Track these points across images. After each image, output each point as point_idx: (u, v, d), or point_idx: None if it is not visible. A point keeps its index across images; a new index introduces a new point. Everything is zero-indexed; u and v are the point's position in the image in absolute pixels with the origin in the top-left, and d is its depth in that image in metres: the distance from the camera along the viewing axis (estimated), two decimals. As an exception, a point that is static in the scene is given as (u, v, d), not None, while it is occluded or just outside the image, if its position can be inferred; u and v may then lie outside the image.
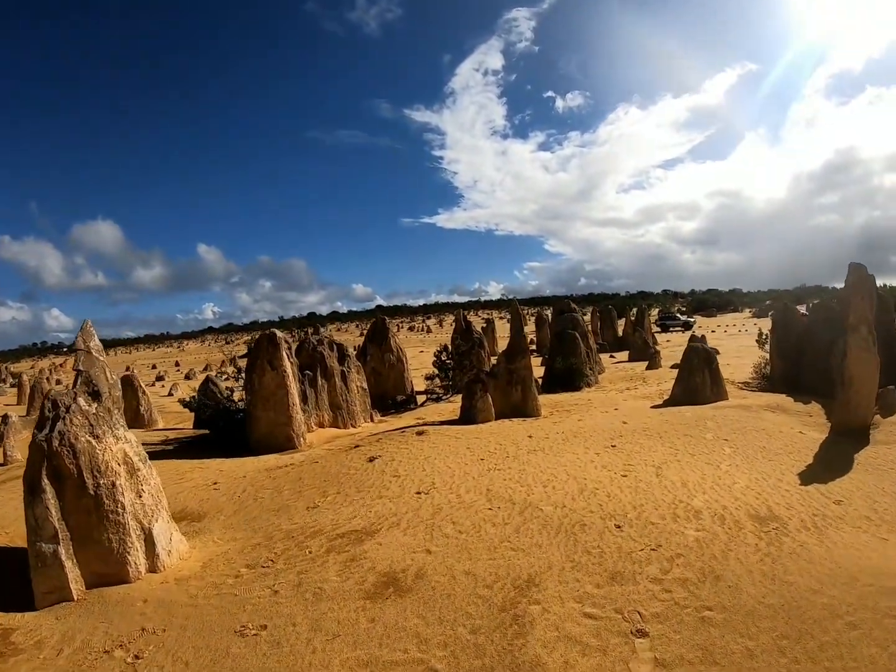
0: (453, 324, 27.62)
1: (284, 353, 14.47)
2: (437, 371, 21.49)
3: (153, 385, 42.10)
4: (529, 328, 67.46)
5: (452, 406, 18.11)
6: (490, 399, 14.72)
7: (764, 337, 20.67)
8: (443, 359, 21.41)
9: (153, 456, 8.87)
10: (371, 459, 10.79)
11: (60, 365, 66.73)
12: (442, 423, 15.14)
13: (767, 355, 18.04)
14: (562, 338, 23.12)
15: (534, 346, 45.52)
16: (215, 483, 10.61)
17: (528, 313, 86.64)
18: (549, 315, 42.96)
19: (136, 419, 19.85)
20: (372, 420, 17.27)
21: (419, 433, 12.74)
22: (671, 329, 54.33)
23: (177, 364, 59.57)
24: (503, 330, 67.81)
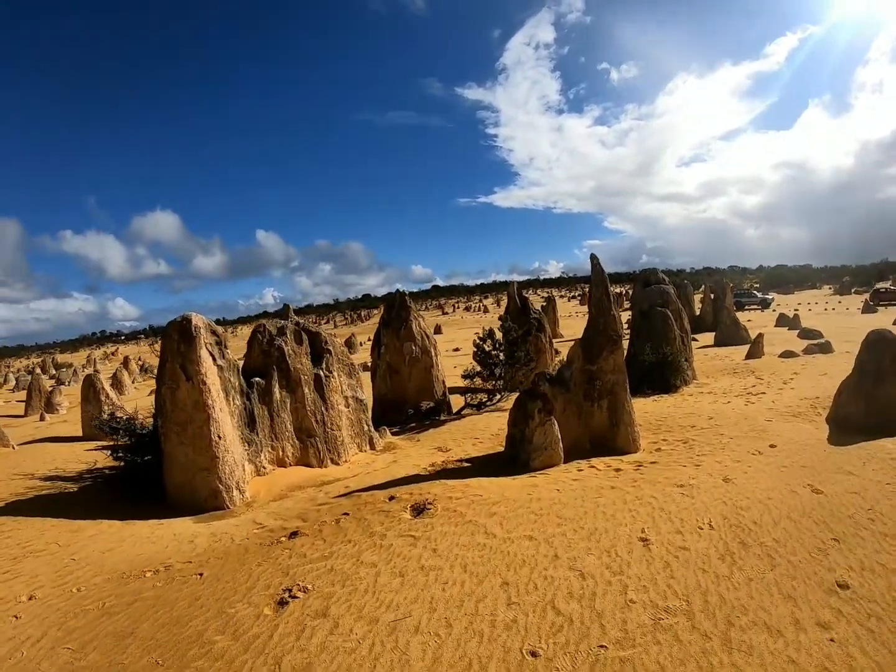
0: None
1: (205, 353, 8.68)
2: (477, 366, 15.21)
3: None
4: (571, 305, 59.53)
5: (499, 420, 11.93)
6: (556, 426, 8.38)
7: None
8: (486, 348, 15.09)
9: (38, 503, 8.33)
10: (282, 602, 4.79)
11: (113, 353, 65.40)
12: (472, 461, 9.29)
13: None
14: (650, 318, 16.19)
15: None
16: (26, 601, 5.07)
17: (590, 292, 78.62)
18: (617, 292, 35.31)
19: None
20: (372, 446, 11.29)
21: (418, 509, 6.70)
22: (747, 307, 47.00)
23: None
24: (565, 309, 60.40)
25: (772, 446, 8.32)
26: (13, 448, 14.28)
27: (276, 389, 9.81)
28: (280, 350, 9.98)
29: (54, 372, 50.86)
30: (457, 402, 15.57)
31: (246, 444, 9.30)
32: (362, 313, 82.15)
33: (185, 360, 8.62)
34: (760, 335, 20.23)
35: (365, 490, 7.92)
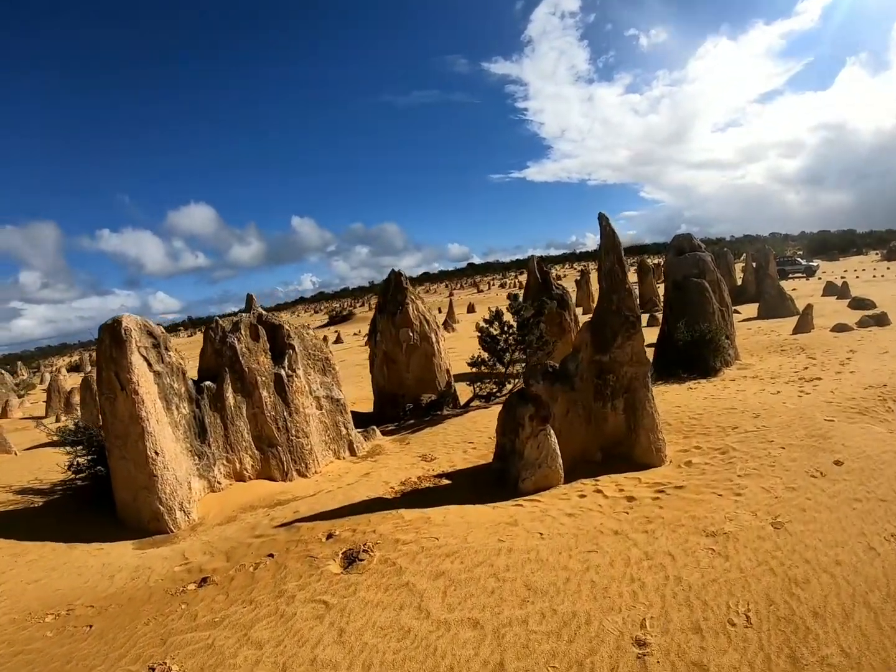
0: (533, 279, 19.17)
1: (137, 359, 7.53)
2: (484, 353, 13.57)
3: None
4: (630, 278, 54.88)
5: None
6: (552, 437, 6.77)
7: None
8: (493, 332, 13.42)
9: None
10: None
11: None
12: (455, 477, 7.90)
13: None
14: (684, 290, 14.06)
15: (637, 301, 35.77)
16: None
17: (628, 263, 74.33)
18: (655, 264, 32.62)
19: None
20: (352, 452, 9.97)
21: (350, 557, 5.34)
22: (790, 276, 43.30)
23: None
24: None
25: (837, 463, 6.37)
26: (15, 454, 13.84)
27: (230, 394, 8.56)
28: (232, 349, 8.69)
29: (89, 369, 51.79)
30: (468, 392, 14.07)
31: (196, 458, 8.13)
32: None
33: (117, 367, 7.48)
34: (809, 306, 17.82)
35: (309, 519, 6.59)
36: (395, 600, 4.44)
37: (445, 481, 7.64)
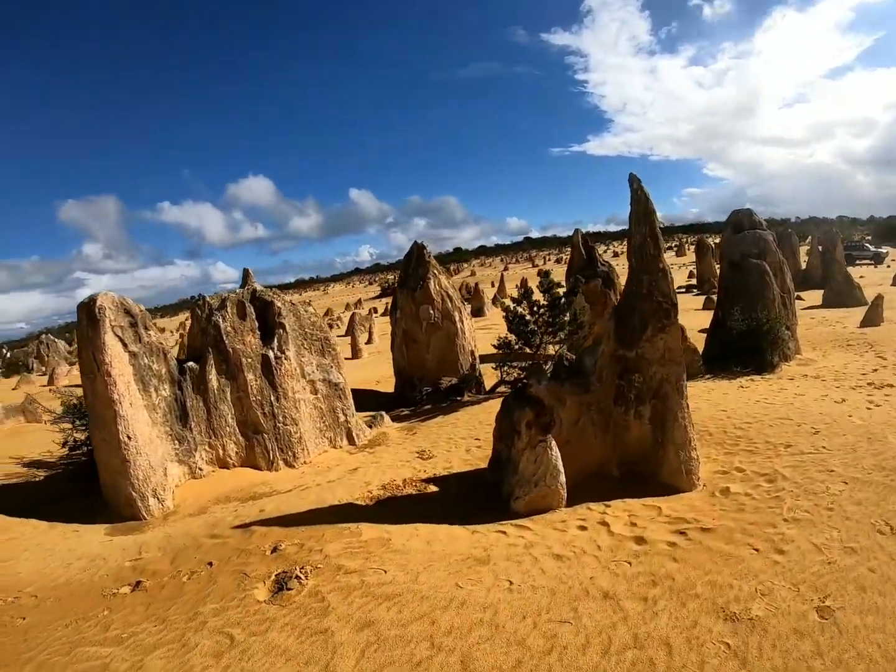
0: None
1: (111, 339, 7.10)
2: (511, 335, 12.47)
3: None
4: (688, 258, 50.80)
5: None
6: (554, 452, 5.77)
7: None
8: (520, 312, 12.28)
9: None
10: None
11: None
12: (444, 483, 7.09)
13: None
14: (742, 270, 12.28)
15: (693, 281, 33.07)
16: None
17: (687, 241, 68.71)
18: (715, 243, 29.81)
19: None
20: (351, 440, 9.28)
21: (282, 582, 4.69)
22: (858, 262, 39.12)
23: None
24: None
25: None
26: (44, 423, 14.12)
27: (213, 376, 8.02)
28: (216, 327, 8.10)
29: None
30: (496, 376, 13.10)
31: (176, 442, 7.69)
32: (451, 267, 79.81)
33: (93, 347, 7.07)
34: (879, 297, 15.75)
35: (267, 523, 5.98)
36: (304, 652, 3.70)
37: (433, 488, 6.79)
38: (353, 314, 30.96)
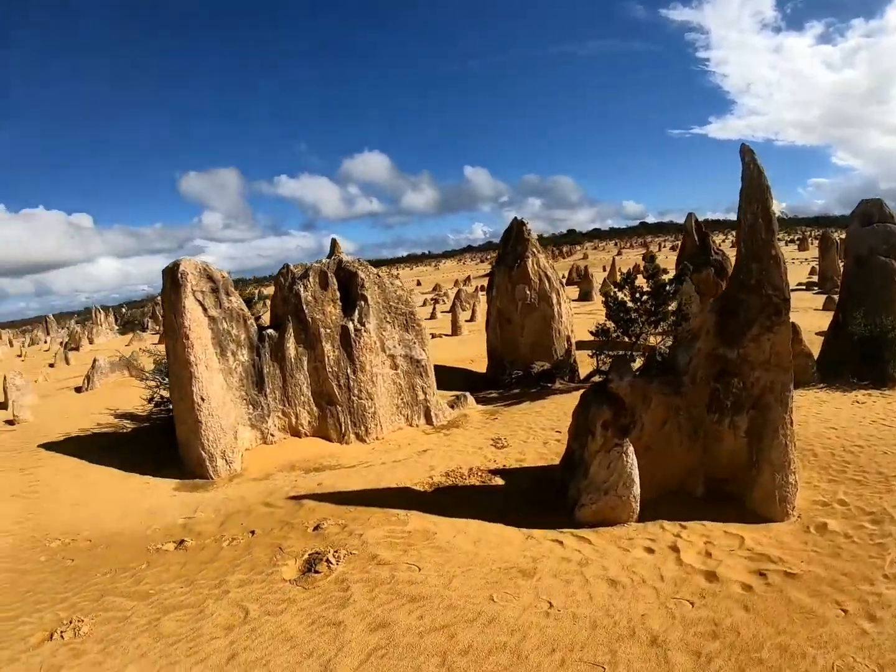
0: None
1: (191, 303, 7.27)
2: (609, 322, 11.36)
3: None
4: (810, 253, 43.76)
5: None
6: (631, 459, 4.89)
7: None
8: (621, 298, 11.12)
9: (84, 441, 8.58)
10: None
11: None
12: (512, 476, 6.42)
13: None
14: (868, 268, 10.06)
15: (814, 279, 28.76)
16: None
17: (810, 235, 59.83)
18: (841, 238, 25.35)
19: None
20: (428, 420, 8.92)
21: (311, 563, 4.39)
22: None
23: (418, 283, 58.16)
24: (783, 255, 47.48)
25: None
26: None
27: (291, 344, 7.98)
28: (297, 296, 8.02)
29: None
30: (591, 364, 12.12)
31: (250, 407, 7.79)
32: (564, 249, 76.76)
33: (174, 310, 7.30)
34: None
35: (320, 498, 5.75)
36: (310, 642, 3.34)
37: (498, 480, 6.16)
38: (459, 291, 30.75)
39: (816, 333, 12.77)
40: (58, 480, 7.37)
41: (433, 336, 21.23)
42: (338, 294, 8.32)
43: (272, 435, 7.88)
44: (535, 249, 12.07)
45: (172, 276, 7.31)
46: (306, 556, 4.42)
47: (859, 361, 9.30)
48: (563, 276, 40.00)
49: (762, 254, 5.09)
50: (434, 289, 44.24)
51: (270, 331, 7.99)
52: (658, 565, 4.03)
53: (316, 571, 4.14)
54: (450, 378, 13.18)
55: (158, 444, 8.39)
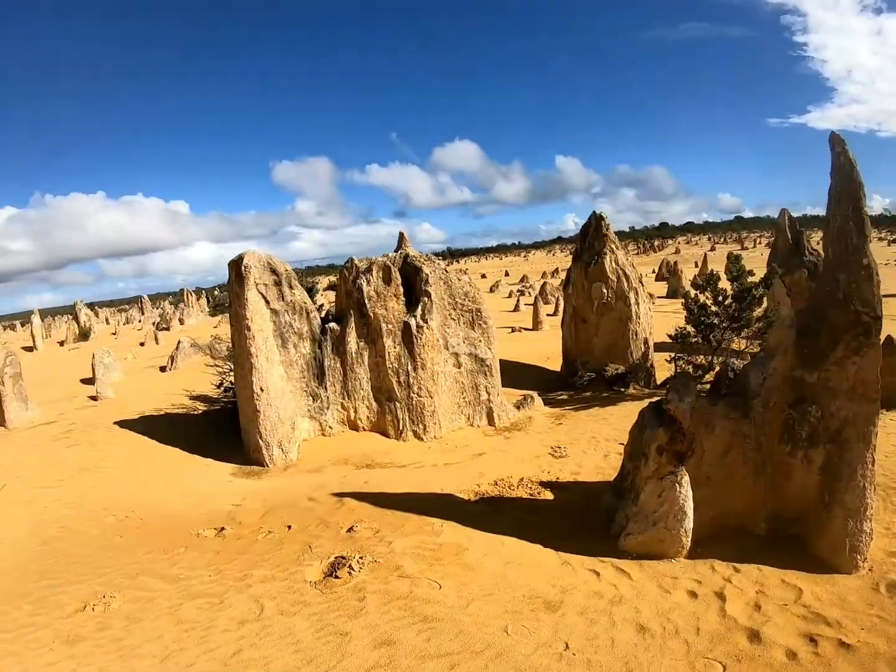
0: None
1: (253, 295, 7.53)
2: (688, 326, 10.46)
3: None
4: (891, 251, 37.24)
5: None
6: (685, 490, 4.34)
7: None
8: (702, 301, 10.20)
9: (157, 420, 9.07)
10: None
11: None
12: (563, 491, 6.02)
13: None
14: None
15: None
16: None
17: None
18: None
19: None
20: (490, 421, 8.70)
21: (335, 567, 4.36)
22: None
23: (506, 274, 57.41)
24: (882, 255, 41.16)
25: None
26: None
27: (352, 338, 8.04)
28: (360, 290, 8.06)
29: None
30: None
31: (310, 399, 7.97)
32: (655, 243, 72.52)
33: (238, 302, 7.60)
34: None
35: (362, 498, 5.68)
36: (313, 649, 3.35)
37: (547, 495, 5.78)
38: (544, 283, 29.93)
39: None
40: (126, 457, 7.88)
41: (512, 330, 20.90)
42: (401, 289, 8.26)
43: (330, 427, 8.01)
44: (613, 246, 11.38)
45: (237, 269, 7.58)
46: (332, 558, 4.37)
47: None
48: (654, 271, 38.14)
49: (852, 263, 4.31)
50: (521, 280, 43.47)
51: (333, 324, 8.10)
52: (698, 614, 3.53)
53: (336, 577, 4.08)
54: (522, 375, 12.81)
55: (225, 428, 8.76)
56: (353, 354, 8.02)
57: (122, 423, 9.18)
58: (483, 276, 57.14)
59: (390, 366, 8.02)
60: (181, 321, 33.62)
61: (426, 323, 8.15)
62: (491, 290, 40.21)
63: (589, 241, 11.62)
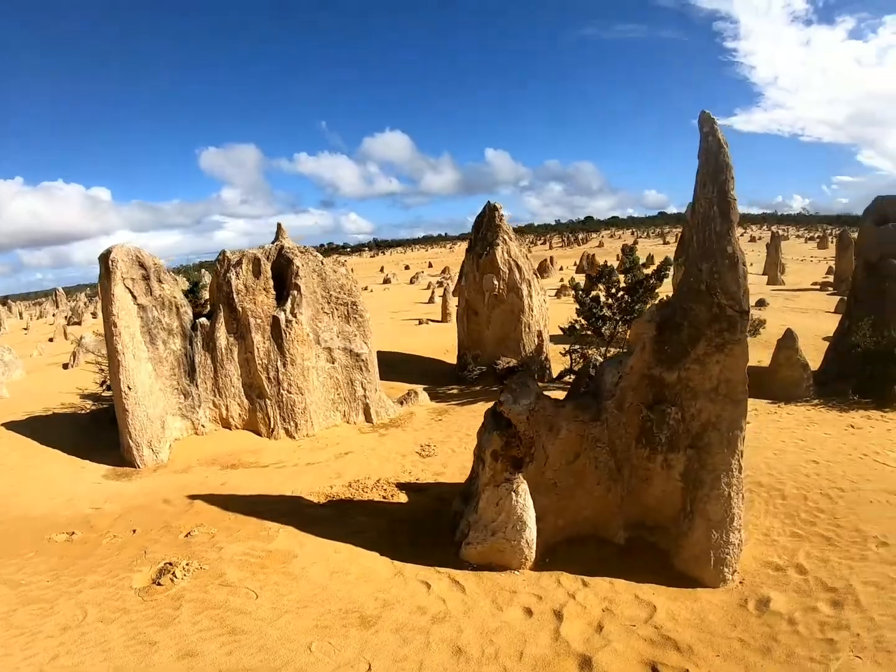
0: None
1: (120, 290, 7.20)
2: (579, 319, 10.96)
3: (383, 284, 39.66)
4: (829, 252, 41.86)
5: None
6: (523, 500, 4.34)
7: None
8: (593, 294, 10.69)
9: (42, 421, 8.67)
10: None
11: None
12: (421, 491, 6.16)
13: None
14: (880, 275, 9.43)
15: (830, 279, 27.80)
16: None
17: (831, 233, 57.18)
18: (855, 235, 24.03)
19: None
20: (367, 418, 8.78)
21: (161, 573, 4.28)
22: None
23: (429, 265, 57.34)
24: (798, 251, 45.34)
25: None
26: None
27: (221, 334, 7.85)
28: (229, 284, 7.83)
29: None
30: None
31: (181, 396, 7.73)
32: (580, 236, 75.07)
33: (105, 298, 7.19)
34: None
35: (212, 501, 5.68)
36: (121, 658, 3.38)
37: (401, 497, 5.88)
38: (460, 275, 30.18)
39: (823, 338, 12.10)
40: (1, 461, 7.41)
41: (420, 322, 21.00)
42: (271, 283, 8.15)
43: (203, 426, 7.82)
44: (506, 237, 11.67)
45: (105, 263, 7.22)
46: (161, 564, 4.38)
47: (861, 377, 8.68)
48: (575, 264, 39.21)
49: (717, 251, 4.11)
50: (443, 271, 43.60)
51: (203, 319, 7.86)
52: (527, 636, 3.47)
53: (159, 584, 4.09)
54: (417, 369, 12.97)
55: (108, 427, 8.36)
56: (223, 350, 7.84)
57: (8, 425, 8.64)
58: (406, 267, 56.98)
59: (260, 362, 7.90)
60: (94, 315, 31.66)
61: (295, 317, 8.09)
62: (411, 282, 40.24)
63: (482, 232, 11.86)
